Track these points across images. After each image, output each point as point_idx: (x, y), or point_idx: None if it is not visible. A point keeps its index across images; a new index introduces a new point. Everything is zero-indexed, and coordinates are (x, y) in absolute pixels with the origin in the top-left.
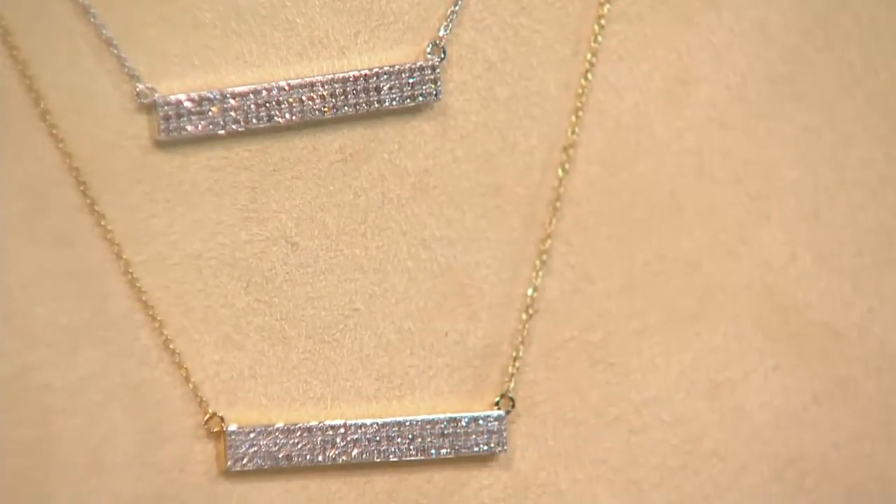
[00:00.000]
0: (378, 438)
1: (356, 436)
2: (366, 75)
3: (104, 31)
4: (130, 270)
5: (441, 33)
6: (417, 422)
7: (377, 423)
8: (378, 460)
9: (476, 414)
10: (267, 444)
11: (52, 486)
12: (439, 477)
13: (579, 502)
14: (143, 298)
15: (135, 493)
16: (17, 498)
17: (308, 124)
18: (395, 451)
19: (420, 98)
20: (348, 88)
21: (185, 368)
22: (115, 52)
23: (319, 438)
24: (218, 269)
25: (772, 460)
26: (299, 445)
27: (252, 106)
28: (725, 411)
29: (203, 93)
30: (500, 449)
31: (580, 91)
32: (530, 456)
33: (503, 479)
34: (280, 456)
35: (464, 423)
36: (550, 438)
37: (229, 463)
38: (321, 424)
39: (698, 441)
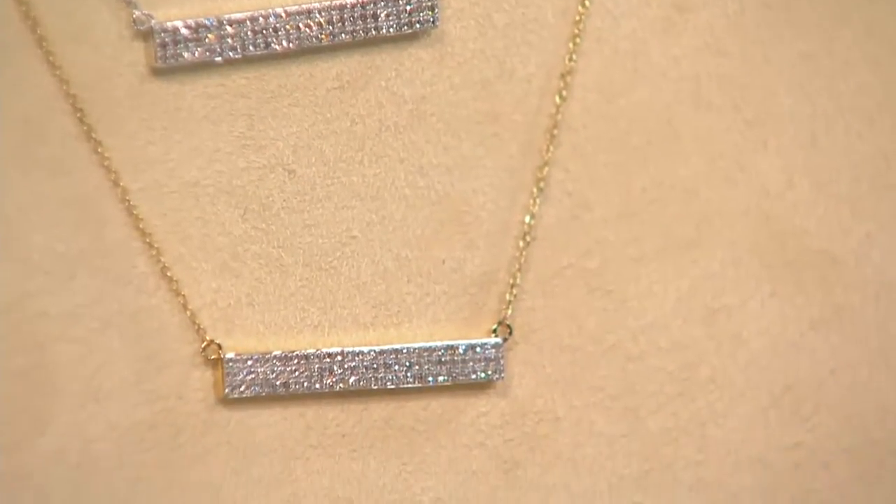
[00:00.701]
0: (375, 366)
1: (353, 363)
2: (363, 2)
3: None
4: (127, 198)
5: None
6: (415, 349)
7: (374, 351)
8: (375, 388)
9: (473, 341)
10: (264, 372)
11: (48, 414)
12: (436, 404)
13: (576, 429)
14: (141, 226)
15: (132, 421)
16: (15, 425)
17: (305, 51)
18: (392, 379)
19: (417, 25)
20: (345, 15)
21: (183, 296)
22: None
23: (317, 366)
24: (215, 197)
25: (769, 387)
26: (297, 373)
27: (249, 33)
28: (722, 338)
29: (200, 20)
30: (497, 376)
31: (577, 18)
32: (527, 383)
33: (500, 407)
34: (277, 383)
35: (461, 351)
36: (548, 365)
37: (227, 390)
38: (318, 352)
39: (695, 368)
